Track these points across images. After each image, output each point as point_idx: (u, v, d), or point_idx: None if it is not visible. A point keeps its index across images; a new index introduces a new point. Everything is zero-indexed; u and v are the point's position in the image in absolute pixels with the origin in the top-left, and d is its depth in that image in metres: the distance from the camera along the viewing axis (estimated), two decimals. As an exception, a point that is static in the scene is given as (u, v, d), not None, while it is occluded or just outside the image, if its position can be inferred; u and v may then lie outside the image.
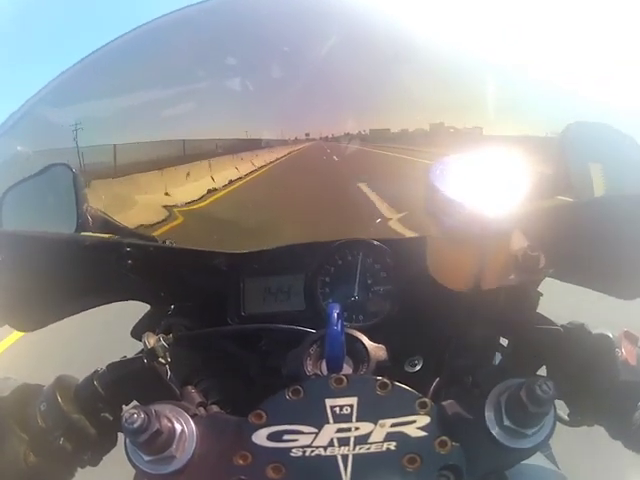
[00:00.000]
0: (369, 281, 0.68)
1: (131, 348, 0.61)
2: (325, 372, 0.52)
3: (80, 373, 0.59)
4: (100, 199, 0.71)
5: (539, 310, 0.59)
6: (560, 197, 0.59)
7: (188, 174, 0.77)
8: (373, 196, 0.70)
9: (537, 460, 0.71)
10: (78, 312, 0.70)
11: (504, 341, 0.64)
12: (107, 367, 0.58)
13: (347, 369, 0.53)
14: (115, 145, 0.76)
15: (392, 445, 0.41)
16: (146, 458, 0.42)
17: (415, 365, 0.62)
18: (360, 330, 0.57)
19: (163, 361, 0.57)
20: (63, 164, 0.68)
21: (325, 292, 0.68)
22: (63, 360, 3.19)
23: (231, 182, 0.76)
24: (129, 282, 0.66)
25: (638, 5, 0.70)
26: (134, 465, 0.43)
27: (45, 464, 0.52)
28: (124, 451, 0.43)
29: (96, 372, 0.58)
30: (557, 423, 0.43)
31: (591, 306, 1.06)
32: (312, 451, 0.41)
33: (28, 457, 0.51)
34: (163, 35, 0.81)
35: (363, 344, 0.55)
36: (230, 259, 0.70)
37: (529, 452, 0.42)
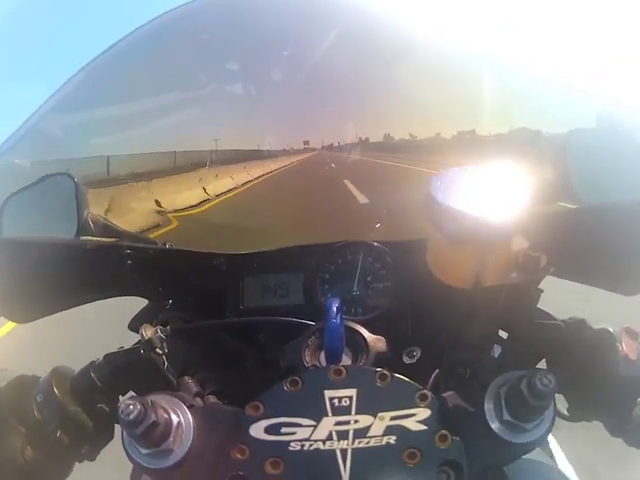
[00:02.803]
0: (369, 278, 0.67)
1: (128, 341, 0.61)
2: (324, 363, 0.51)
3: (76, 364, 0.59)
4: (101, 208, 0.70)
5: (540, 306, 0.59)
6: (561, 203, 0.59)
7: (190, 182, 0.78)
8: (374, 201, 0.70)
9: (535, 456, 0.71)
10: (75, 306, 0.69)
11: (503, 334, 0.64)
12: (104, 358, 0.58)
13: (346, 360, 0.52)
14: (119, 155, 0.76)
15: (392, 439, 0.40)
16: (143, 451, 0.41)
17: (413, 356, 0.62)
18: (359, 323, 0.56)
19: (160, 352, 0.57)
20: (64, 173, 0.68)
21: (324, 288, 0.68)
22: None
23: (232, 189, 0.76)
24: (128, 279, 0.66)
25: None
26: (131, 459, 0.42)
27: (43, 458, 0.52)
28: (121, 445, 0.43)
29: (92, 363, 0.57)
30: (556, 418, 0.43)
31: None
32: (311, 445, 0.40)
33: (25, 451, 0.51)
34: (158, 41, 0.80)
35: (362, 336, 0.55)
36: (230, 260, 0.70)
37: (529, 447, 0.42)
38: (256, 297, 0.70)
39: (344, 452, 0.40)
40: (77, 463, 0.55)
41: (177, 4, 0.77)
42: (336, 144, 0.69)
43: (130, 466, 0.44)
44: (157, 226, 0.74)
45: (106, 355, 0.58)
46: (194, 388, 0.58)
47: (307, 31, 0.71)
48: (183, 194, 0.77)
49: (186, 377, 0.59)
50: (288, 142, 0.70)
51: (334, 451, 0.40)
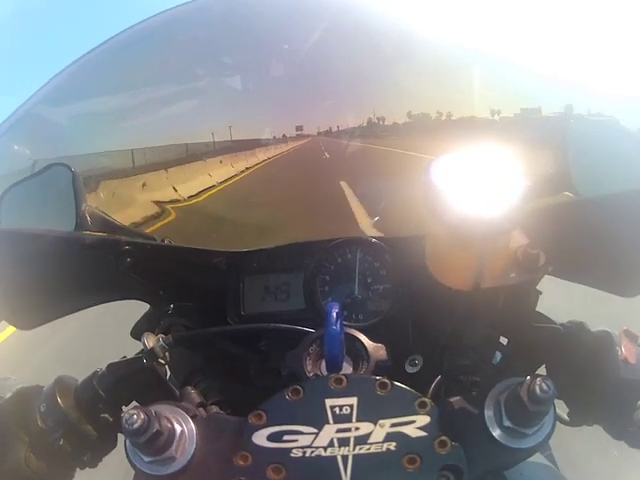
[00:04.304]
0: (368, 279, 0.68)
1: (131, 348, 0.61)
2: (325, 372, 0.52)
3: (80, 373, 0.59)
4: (99, 199, 0.70)
5: (538, 309, 0.59)
6: (561, 195, 0.59)
7: (185, 174, 0.78)
8: (372, 194, 0.70)
9: (536, 460, 0.71)
10: (77, 310, 0.70)
11: (504, 340, 0.64)
12: (107, 368, 0.58)
13: (347, 368, 0.53)
14: (115, 149, 0.77)
15: (392, 445, 0.41)
16: (146, 459, 0.42)
17: (415, 365, 0.62)
18: (359, 329, 0.57)
19: (162, 361, 0.57)
20: (62, 164, 0.68)
21: (324, 291, 0.68)
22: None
23: (228, 180, 0.77)
24: (128, 281, 0.66)
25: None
26: (134, 466, 0.43)
27: (45, 465, 0.52)
28: (124, 452, 0.43)
29: (95, 373, 0.58)
30: (557, 423, 0.43)
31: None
32: (312, 451, 0.41)
33: (28, 459, 0.51)
34: (158, 35, 0.81)
35: (362, 343, 0.55)
36: (229, 258, 0.70)
37: (529, 452, 0.42)
38: (257, 300, 0.70)
39: (345, 458, 0.41)
40: (79, 470, 0.56)
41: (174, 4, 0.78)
42: (334, 129, 0.69)
43: (132, 473, 0.45)
44: (155, 221, 0.74)
45: (109, 365, 0.58)
46: (197, 398, 0.58)
47: (303, 22, 0.72)
48: (180, 187, 0.78)
49: (189, 387, 0.60)
50: (284, 131, 0.70)
51: (335, 457, 0.41)
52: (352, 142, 0.70)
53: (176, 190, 0.77)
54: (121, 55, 0.81)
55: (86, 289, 0.69)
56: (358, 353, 0.55)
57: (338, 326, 0.49)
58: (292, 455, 0.41)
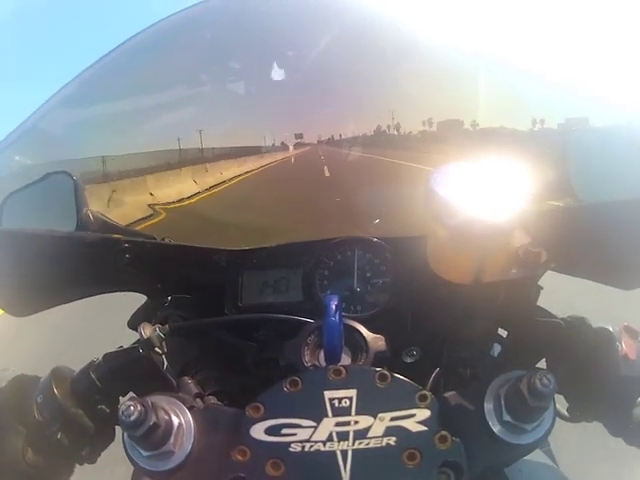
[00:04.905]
0: (368, 274, 0.67)
1: (127, 339, 0.60)
2: (323, 362, 0.51)
3: (76, 363, 0.59)
4: (100, 203, 0.71)
5: (539, 304, 0.59)
6: (561, 200, 0.59)
7: (189, 177, 0.79)
8: (373, 196, 0.70)
9: (535, 456, 0.72)
10: (73, 300, 0.69)
11: (503, 333, 0.64)
12: (103, 357, 0.57)
13: (345, 359, 0.52)
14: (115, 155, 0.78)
15: (392, 440, 0.40)
16: (144, 453, 0.42)
17: (413, 356, 0.62)
18: (358, 320, 0.56)
19: (159, 351, 0.56)
20: (63, 171, 0.69)
21: (323, 284, 0.68)
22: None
23: (229, 181, 0.77)
24: (126, 274, 0.66)
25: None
26: (133, 461, 0.42)
27: (43, 460, 0.51)
28: (122, 447, 0.43)
29: (92, 363, 0.57)
30: (556, 419, 0.43)
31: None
32: (311, 446, 0.40)
33: (26, 453, 0.51)
34: (160, 46, 0.81)
35: (361, 334, 0.55)
36: (229, 255, 0.70)
37: (529, 448, 0.42)
38: (255, 294, 0.70)
39: (344, 453, 0.40)
40: (78, 465, 0.55)
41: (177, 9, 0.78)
42: (335, 138, 0.70)
43: (131, 468, 0.44)
44: (155, 221, 0.74)
45: (105, 355, 0.57)
46: (194, 389, 0.57)
47: (307, 31, 0.72)
48: (182, 189, 0.78)
49: (186, 377, 0.59)
50: (285, 138, 0.70)
51: (334, 452, 0.40)
52: (353, 151, 0.70)
53: (177, 190, 0.78)
54: (129, 65, 0.81)
55: (83, 280, 0.68)
56: (357, 344, 0.54)
57: (337, 317, 0.49)
58: (291, 450, 0.40)
